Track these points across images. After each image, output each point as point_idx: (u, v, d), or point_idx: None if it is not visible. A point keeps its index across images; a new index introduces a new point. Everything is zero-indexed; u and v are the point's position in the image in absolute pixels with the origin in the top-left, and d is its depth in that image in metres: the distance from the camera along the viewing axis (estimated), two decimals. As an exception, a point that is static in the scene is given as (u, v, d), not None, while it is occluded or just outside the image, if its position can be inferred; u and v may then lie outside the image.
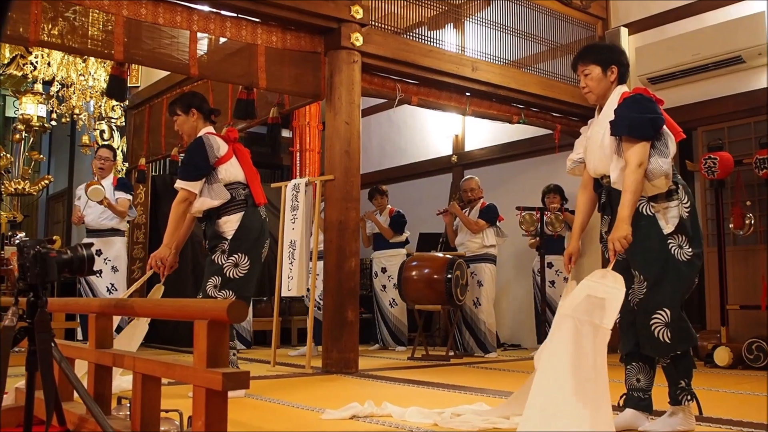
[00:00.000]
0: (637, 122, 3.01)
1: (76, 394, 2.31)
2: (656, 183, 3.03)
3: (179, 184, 4.03)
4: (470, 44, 6.62)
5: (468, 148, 8.99)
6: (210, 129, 4.19)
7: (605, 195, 3.21)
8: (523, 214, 7.15)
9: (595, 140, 3.20)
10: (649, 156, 3.02)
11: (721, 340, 5.90)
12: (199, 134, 4.14)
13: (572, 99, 7.05)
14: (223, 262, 4.01)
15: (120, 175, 7.66)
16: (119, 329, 6.22)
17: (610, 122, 3.09)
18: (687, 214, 3.05)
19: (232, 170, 4.09)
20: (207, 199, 4.05)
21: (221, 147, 4.09)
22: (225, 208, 4.07)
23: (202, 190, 4.04)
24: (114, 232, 6.19)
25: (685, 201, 3.06)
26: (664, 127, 3.08)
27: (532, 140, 8.11)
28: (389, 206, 7.73)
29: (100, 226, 6.16)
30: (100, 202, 5.93)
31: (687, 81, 6.69)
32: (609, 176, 3.15)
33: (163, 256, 4.05)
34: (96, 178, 6.21)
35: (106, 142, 8.24)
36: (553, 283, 7.19)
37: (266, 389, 4.28)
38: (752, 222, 6.04)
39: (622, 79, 3.23)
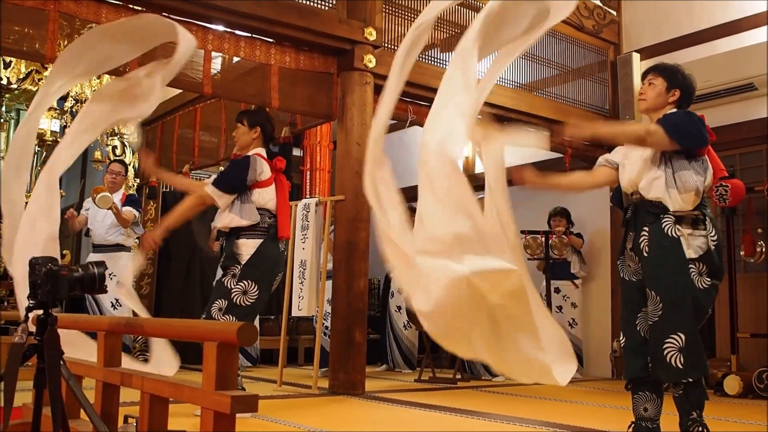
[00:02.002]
0: (682, 125, 3.09)
1: (83, 412, 2.31)
2: (685, 197, 3.04)
3: (210, 189, 4.06)
4: (482, 67, 6.60)
5: (478, 170, 8.98)
6: (261, 151, 4.23)
7: (631, 211, 3.22)
8: (527, 238, 7.14)
9: (638, 152, 3.22)
10: (682, 167, 3.08)
11: (731, 368, 5.84)
12: (250, 153, 4.19)
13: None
14: (232, 286, 4.00)
15: (131, 191, 7.67)
16: (126, 348, 6.20)
17: (658, 120, 3.13)
18: (714, 247, 3.05)
19: (266, 196, 4.12)
20: (236, 217, 4.07)
21: (264, 172, 4.13)
22: (247, 230, 4.09)
23: (233, 207, 4.06)
24: (119, 247, 6.16)
25: (713, 235, 3.07)
26: (707, 156, 3.12)
27: (542, 164, 8.08)
28: None
29: (105, 241, 6.11)
30: (108, 208, 5.88)
31: (699, 107, 6.62)
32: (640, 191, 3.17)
33: (155, 237, 4.17)
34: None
35: (118, 158, 8.28)
36: (560, 308, 7.17)
37: (273, 409, 4.26)
38: (763, 249, 6.00)
39: (680, 106, 3.27)
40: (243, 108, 6.53)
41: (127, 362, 3.27)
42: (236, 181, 4.08)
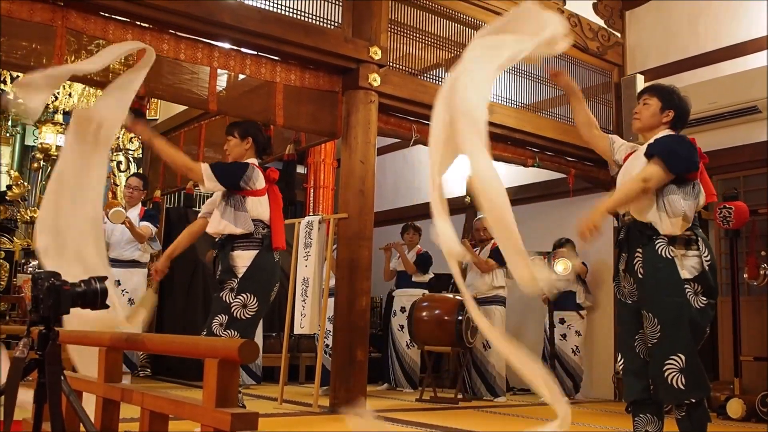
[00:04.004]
0: (672, 152, 3.09)
1: (82, 428, 2.30)
2: (674, 222, 3.05)
3: (204, 166, 4.01)
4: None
5: (481, 189, 8.97)
6: (255, 162, 4.21)
7: (624, 232, 3.22)
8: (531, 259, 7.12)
9: (630, 171, 3.23)
10: (671, 192, 3.08)
11: (734, 391, 5.81)
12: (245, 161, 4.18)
13: (587, 144, 7.06)
14: (231, 300, 3.97)
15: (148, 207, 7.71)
16: (130, 364, 6.18)
17: (648, 144, 3.14)
18: (708, 267, 3.05)
19: (259, 207, 4.08)
20: (230, 224, 4.02)
21: (259, 181, 4.10)
22: (241, 241, 4.05)
23: (225, 214, 4.03)
24: (135, 263, 6.11)
25: (706, 255, 3.07)
26: (698, 180, 3.12)
27: (546, 184, 8.10)
28: (419, 245, 7.67)
29: (121, 256, 6.07)
30: (122, 223, 5.86)
31: (703, 129, 6.68)
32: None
33: (163, 268, 4.15)
34: (124, 206, 6.14)
35: (121, 173, 8.32)
36: (564, 336, 7.14)
37: (273, 427, 4.25)
38: (767, 272, 5.99)
39: (673, 126, 3.28)
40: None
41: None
42: (231, 174, 4.03)
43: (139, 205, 6.29)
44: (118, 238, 6.07)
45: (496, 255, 7.01)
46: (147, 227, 6.04)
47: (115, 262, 6.06)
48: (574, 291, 7.13)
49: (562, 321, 7.10)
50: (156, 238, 6.28)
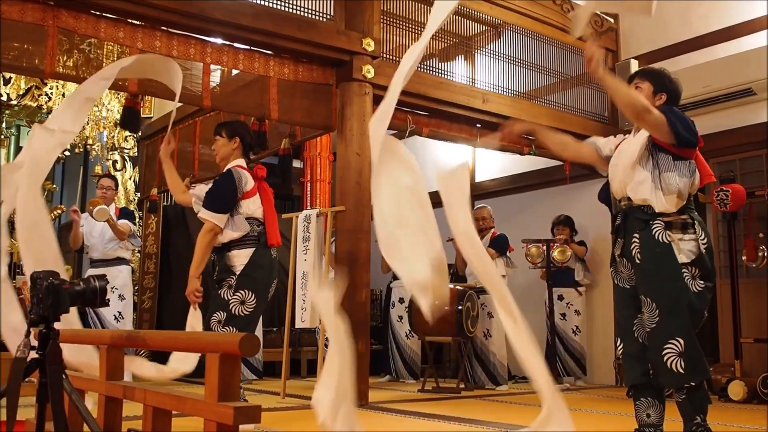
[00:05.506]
0: (683, 120, 3.07)
1: (86, 427, 2.30)
2: (668, 199, 3.06)
3: (206, 215, 4.01)
4: (481, 76, 6.65)
5: (479, 179, 8.99)
6: (242, 162, 4.21)
7: (621, 217, 3.23)
8: (529, 246, 7.14)
9: (624, 152, 3.23)
10: (667, 169, 3.07)
11: (735, 373, 5.82)
12: (230, 166, 4.17)
13: (583, 131, 7.05)
14: (229, 297, 3.98)
15: (131, 206, 7.74)
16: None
17: (659, 108, 3.10)
18: (705, 250, 3.05)
19: (251, 206, 4.10)
20: (228, 230, 4.05)
21: (248, 182, 4.11)
22: (237, 241, 4.07)
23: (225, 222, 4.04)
24: (119, 261, 6.18)
25: (702, 237, 3.07)
26: (694, 160, 3.12)
27: (542, 171, 8.10)
28: None
29: (105, 255, 6.14)
30: (106, 221, 5.90)
31: (698, 113, 6.67)
32: (628, 196, 3.17)
33: (196, 288, 4.03)
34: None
35: (117, 172, 8.31)
36: (564, 315, 7.16)
37: (276, 421, 4.25)
38: (765, 254, 5.99)
39: None
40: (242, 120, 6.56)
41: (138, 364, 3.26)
42: (228, 197, 4.06)
43: (114, 204, 6.34)
44: (98, 239, 6.13)
45: (496, 244, 7.02)
46: (126, 224, 6.11)
47: (101, 261, 6.12)
48: (573, 268, 7.16)
49: (560, 297, 7.13)
50: (136, 235, 6.35)
